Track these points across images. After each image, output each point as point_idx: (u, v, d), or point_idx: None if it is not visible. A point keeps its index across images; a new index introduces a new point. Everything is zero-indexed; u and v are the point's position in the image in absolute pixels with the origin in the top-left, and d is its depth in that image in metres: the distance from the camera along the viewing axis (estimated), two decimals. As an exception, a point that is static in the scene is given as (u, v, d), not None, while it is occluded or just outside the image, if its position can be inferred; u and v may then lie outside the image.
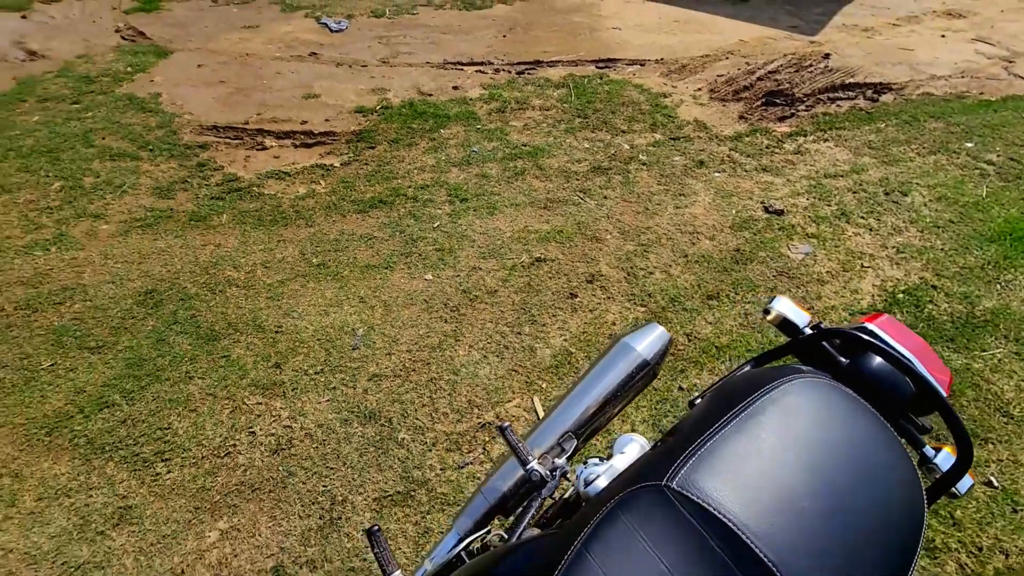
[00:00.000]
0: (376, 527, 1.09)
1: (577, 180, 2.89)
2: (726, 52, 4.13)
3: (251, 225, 2.66)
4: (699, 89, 3.71)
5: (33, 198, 2.77)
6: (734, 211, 2.66)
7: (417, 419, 1.89)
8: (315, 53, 4.30)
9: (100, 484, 1.71)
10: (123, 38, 4.48)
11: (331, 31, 4.67)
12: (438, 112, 3.48)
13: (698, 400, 0.88)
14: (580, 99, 3.58)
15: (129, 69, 3.96)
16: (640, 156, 3.04)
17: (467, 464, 1.76)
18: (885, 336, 0.94)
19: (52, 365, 2.03)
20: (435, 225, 2.66)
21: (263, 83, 3.86)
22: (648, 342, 0.96)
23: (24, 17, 4.74)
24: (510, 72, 3.99)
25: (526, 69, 4.03)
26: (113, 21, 4.73)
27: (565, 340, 2.11)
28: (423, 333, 2.17)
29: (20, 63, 4.09)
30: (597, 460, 0.95)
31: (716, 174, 2.91)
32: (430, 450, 1.81)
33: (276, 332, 2.17)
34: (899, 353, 0.85)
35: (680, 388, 1.92)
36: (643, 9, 4.96)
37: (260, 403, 1.93)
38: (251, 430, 1.86)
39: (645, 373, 0.95)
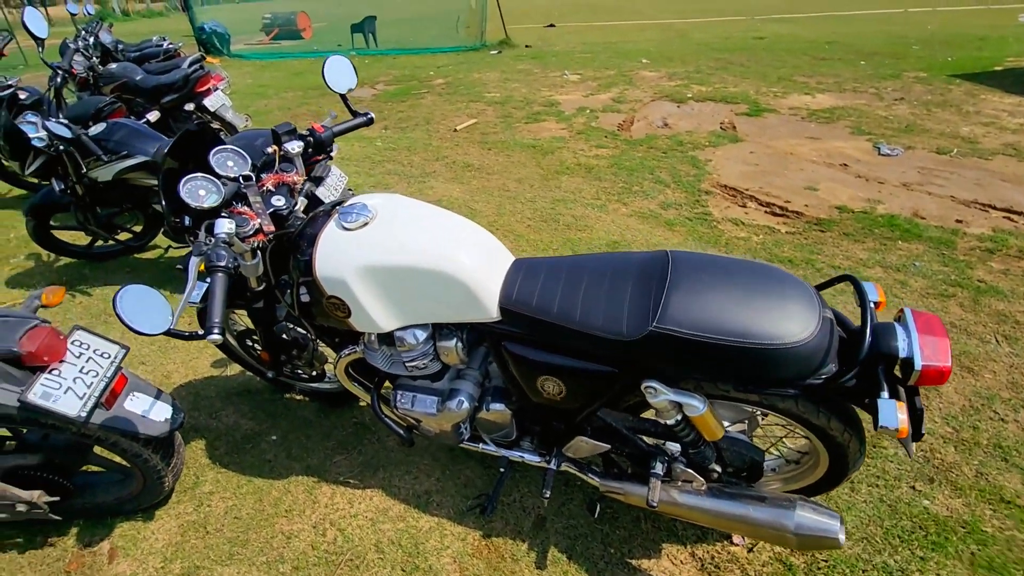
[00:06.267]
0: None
1: None
2: None
3: (695, 239, 3.77)
4: None
5: (606, 186, 4.75)
6: None
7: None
8: (846, 165, 4.93)
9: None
10: (721, 128, 6.32)
11: (880, 154, 5.13)
12: (912, 231, 3.60)
13: None
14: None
15: (707, 144, 5.70)
16: None
17: None
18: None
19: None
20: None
21: (783, 172, 4.83)
22: None
23: (678, 107, 7.30)
24: (1044, 227, 3.52)
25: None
26: (724, 117, 6.67)
27: None
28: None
29: (656, 128, 6.48)
30: None
31: None
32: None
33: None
34: None
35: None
36: None
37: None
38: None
39: None
